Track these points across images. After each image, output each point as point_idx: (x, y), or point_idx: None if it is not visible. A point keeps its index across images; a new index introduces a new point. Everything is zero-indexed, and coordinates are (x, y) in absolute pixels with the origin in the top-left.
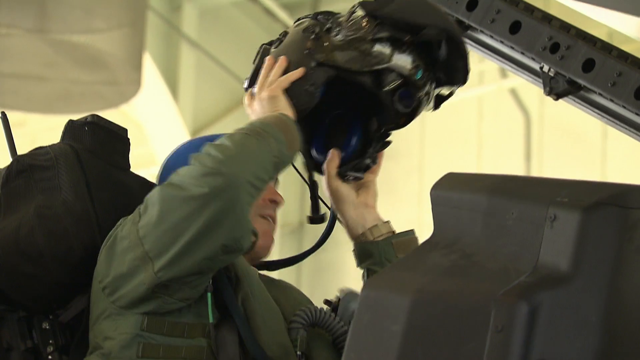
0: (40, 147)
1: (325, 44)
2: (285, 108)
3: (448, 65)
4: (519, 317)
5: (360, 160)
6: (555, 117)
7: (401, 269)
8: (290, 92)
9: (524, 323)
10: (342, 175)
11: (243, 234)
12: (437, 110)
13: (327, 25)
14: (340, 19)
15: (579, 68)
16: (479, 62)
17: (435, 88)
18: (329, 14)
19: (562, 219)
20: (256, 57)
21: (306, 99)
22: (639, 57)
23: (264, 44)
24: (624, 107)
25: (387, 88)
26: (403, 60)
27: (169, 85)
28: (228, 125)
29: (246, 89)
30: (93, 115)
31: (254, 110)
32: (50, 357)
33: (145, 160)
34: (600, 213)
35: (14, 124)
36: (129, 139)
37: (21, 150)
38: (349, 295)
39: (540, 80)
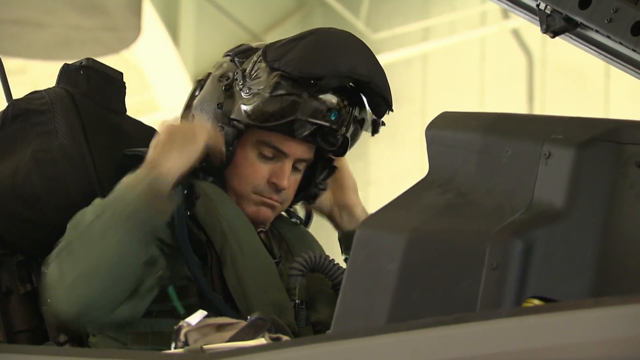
0: (36, 92)
1: (234, 98)
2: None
3: (368, 102)
4: (513, 254)
5: (309, 189)
6: (558, 58)
7: (396, 208)
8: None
9: (518, 260)
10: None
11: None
12: (439, 53)
13: (235, 75)
14: (247, 67)
15: (575, 5)
16: (480, 3)
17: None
18: (247, 54)
19: (556, 155)
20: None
21: (220, 159)
22: None
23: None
24: (621, 43)
25: (301, 136)
26: (312, 109)
27: (170, 31)
28: None
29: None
30: (88, 59)
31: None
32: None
33: (147, 107)
34: (594, 149)
35: (15, 71)
36: (124, 83)
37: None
38: None
39: (537, 18)
